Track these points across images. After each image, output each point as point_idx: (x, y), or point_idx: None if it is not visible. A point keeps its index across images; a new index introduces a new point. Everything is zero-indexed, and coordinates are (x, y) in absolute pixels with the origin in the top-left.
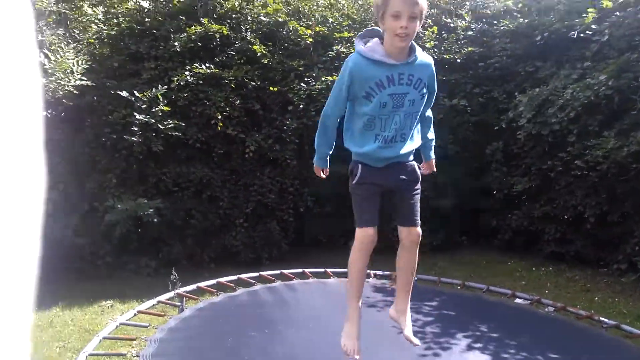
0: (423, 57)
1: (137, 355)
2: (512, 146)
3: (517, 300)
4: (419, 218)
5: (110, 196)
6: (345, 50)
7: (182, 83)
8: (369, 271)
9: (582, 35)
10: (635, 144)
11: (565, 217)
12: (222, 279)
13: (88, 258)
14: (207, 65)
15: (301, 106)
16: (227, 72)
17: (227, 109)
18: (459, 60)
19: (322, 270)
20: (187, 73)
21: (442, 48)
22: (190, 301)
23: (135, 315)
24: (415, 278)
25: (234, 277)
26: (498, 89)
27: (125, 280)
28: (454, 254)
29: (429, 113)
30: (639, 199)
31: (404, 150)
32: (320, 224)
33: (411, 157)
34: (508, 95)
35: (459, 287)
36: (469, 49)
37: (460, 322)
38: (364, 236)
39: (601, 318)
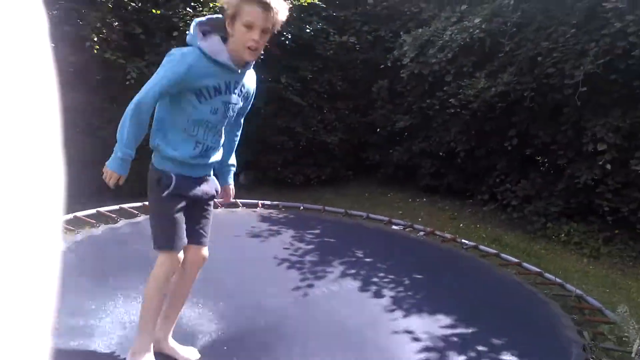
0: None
1: None
2: (396, 85)
3: (393, 227)
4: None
5: None
6: None
7: None
8: (257, 201)
9: None
10: (501, 85)
11: (440, 152)
12: (102, 209)
13: None
14: None
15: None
16: None
17: (104, 30)
18: None
19: None
20: None
21: None
22: (68, 233)
23: None
24: (301, 207)
25: (116, 207)
26: (385, 28)
27: None
28: (340, 187)
29: (239, 131)
30: (502, 136)
31: (212, 160)
32: None
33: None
34: (394, 34)
35: (341, 216)
36: None
37: (341, 246)
38: (173, 263)
39: (463, 240)
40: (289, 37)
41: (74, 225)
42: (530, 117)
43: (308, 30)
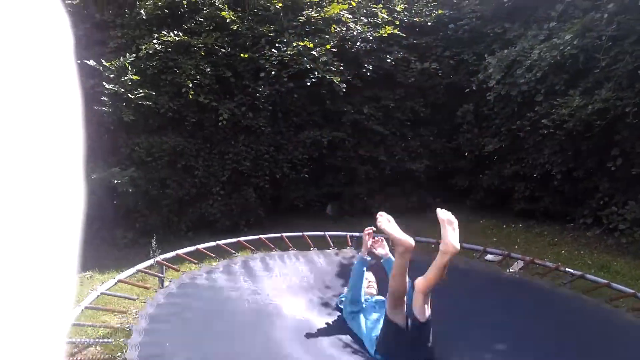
0: None
1: (127, 328)
2: (482, 107)
3: (488, 256)
4: None
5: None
6: (315, 14)
7: (150, 51)
8: (345, 233)
9: None
10: (599, 102)
11: (534, 175)
12: (201, 246)
13: None
14: (175, 32)
15: (273, 72)
16: (197, 40)
17: (198, 76)
18: (429, 24)
19: (300, 234)
20: (155, 41)
21: (413, 11)
22: (170, 271)
23: (115, 284)
24: None
25: (213, 244)
26: (468, 51)
27: (102, 251)
28: (428, 215)
29: None
30: (602, 155)
31: None
32: (296, 190)
33: None
34: (478, 57)
35: (432, 246)
36: (439, 11)
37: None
38: None
39: (567, 269)
40: (370, 68)
41: (175, 262)
42: (636, 135)
43: (389, 60)
